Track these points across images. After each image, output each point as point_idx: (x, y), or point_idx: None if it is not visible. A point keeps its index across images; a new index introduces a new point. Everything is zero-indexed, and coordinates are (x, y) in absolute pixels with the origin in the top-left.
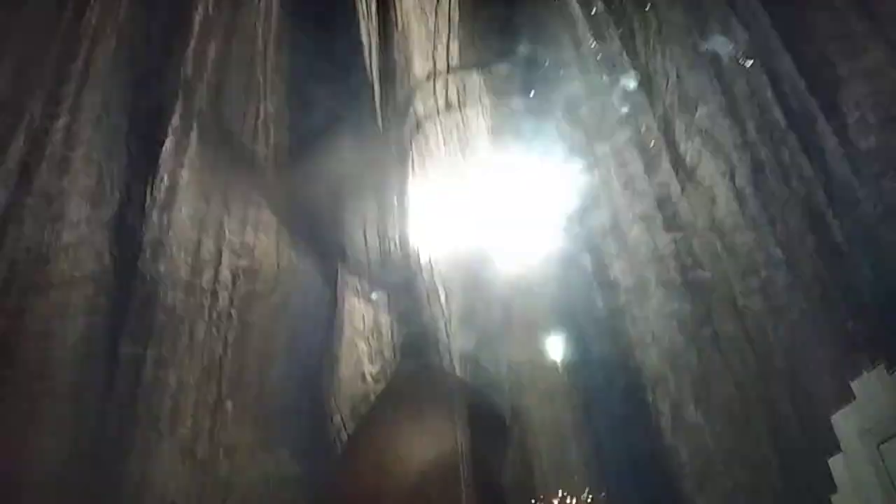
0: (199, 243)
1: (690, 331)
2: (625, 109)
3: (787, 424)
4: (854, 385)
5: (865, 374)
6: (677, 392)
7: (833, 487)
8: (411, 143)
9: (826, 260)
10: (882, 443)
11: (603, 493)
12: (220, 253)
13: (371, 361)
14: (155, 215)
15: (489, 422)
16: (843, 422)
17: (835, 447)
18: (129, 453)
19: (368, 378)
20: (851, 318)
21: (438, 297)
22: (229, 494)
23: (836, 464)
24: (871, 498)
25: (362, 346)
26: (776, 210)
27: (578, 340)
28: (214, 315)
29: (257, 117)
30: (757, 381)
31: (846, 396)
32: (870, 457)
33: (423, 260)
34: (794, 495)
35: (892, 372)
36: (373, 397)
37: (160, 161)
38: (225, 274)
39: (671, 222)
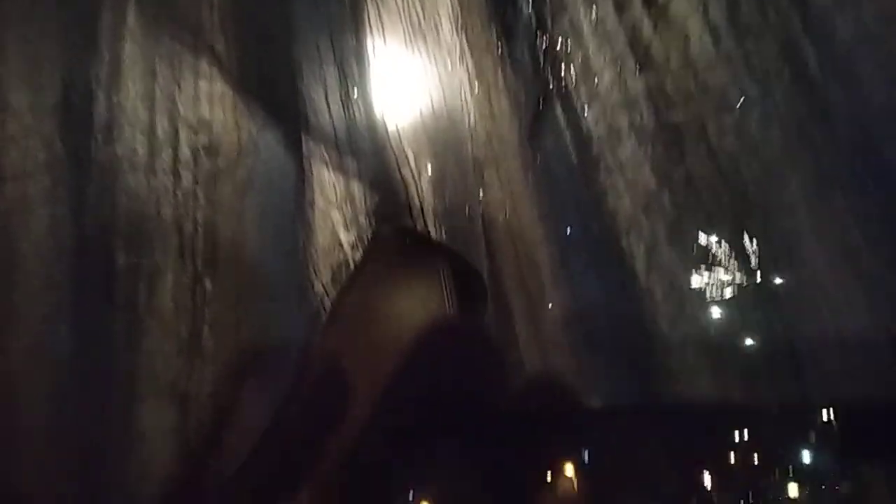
0: (152, 122)
1: (663, 174)
2: None
3: (759, 257)
4: None
5: None
6: (651, 235)
7: None
8: None
9: (801, 92)
10: None
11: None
12: (176, 131)
13: (347, 229)
14: (101, 96)
15: (466, 281)
16: None
17: None
18: (111, 340)
19: (346, 246)
20: (825, 151)
21: (407, 160)
22: (217, 369)
23: None
24: None
25: (336, 215)
26: (751, 43)
27: (553, 193)
28: (179, 196)
29: None
30: (731, 218)
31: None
32: None
33: (390, 123)
34: None
35: None
36: (352, 265)
37: (99, 37)
38: (185, 152)
39: (643, 64)
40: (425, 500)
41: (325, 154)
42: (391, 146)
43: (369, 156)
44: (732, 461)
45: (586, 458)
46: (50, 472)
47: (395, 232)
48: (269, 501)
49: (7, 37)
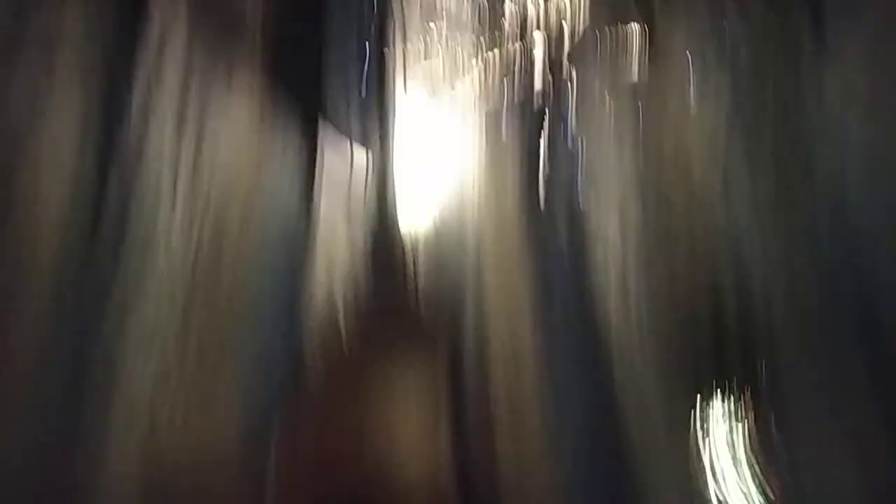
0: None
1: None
2: None
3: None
4: None
5: None
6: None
7: None
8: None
9: None
10: None
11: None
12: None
13: (344, 300)
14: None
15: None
16: None
17: None
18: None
19: (340, 317)
20: None
21: (410, 239)
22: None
23: None
24: None
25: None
26: None
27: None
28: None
29: None
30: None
31: None
32: None
33: (399, 200)
34: None
35: None
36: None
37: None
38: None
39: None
40: None
41: (335, 218)
42: (398, 222)
43: (376, 231)
44: None
45: None
46: None
47: (390, 311)
48: None
49: None
